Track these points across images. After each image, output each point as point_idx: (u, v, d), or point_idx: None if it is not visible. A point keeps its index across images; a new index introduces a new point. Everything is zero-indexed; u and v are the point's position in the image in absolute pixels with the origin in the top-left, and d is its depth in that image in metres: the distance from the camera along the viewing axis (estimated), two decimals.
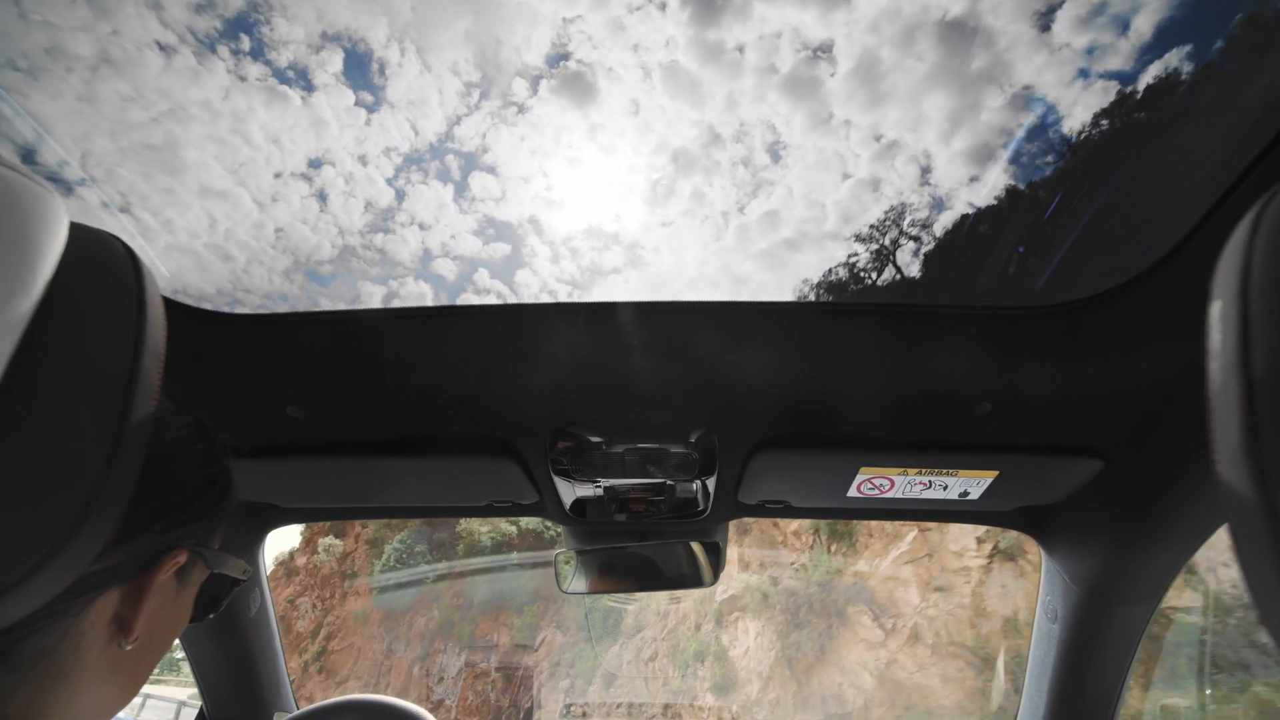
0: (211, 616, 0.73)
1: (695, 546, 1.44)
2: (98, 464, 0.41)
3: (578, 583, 1.52)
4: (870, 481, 1.21)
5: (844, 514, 1.44)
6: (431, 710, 1.38)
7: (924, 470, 1.16)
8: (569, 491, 1.33)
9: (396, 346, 1.00)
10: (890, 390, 1.03)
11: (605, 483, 1.30)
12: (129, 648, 0.54)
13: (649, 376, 1.03)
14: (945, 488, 1.20)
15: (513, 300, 1.12)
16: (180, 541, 0.57)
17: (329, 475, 1.28)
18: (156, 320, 0.47)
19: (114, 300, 0.44)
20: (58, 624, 0.49)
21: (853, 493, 1.25)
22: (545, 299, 0.99)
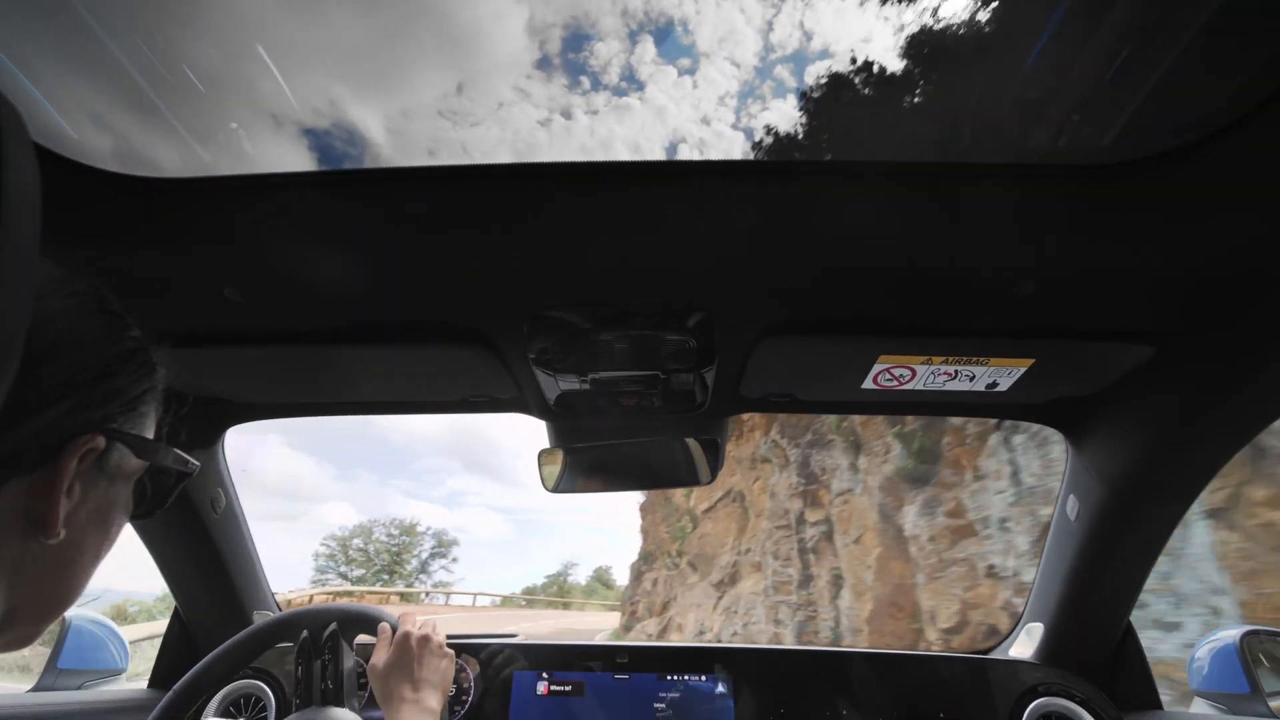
0: (159, 512, 0.69)
1: (692, 444, 1.38)
2: None
3: (565, 482, 1.47)
4: (889, 371, 1.12)
5: (856, 408, 1.37)
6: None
7: (950, 359, 1.07)
8: (552, 386, 1.25)
9: (344, 216, 0.88)
10: (920, 266, 0.92)
11: (592, 375, 1.22)
12: (52, 543, 0.51)
13: (638, 252, 0.92)
14: (972, 378, 1.12)
15: (477, 161, 1.00)
16: (93, 426, 0.52)
17: (280, 367, 1.20)
18: (25, 163, 0.39)
19: None
20: None
21: (868, 384, 1.17)
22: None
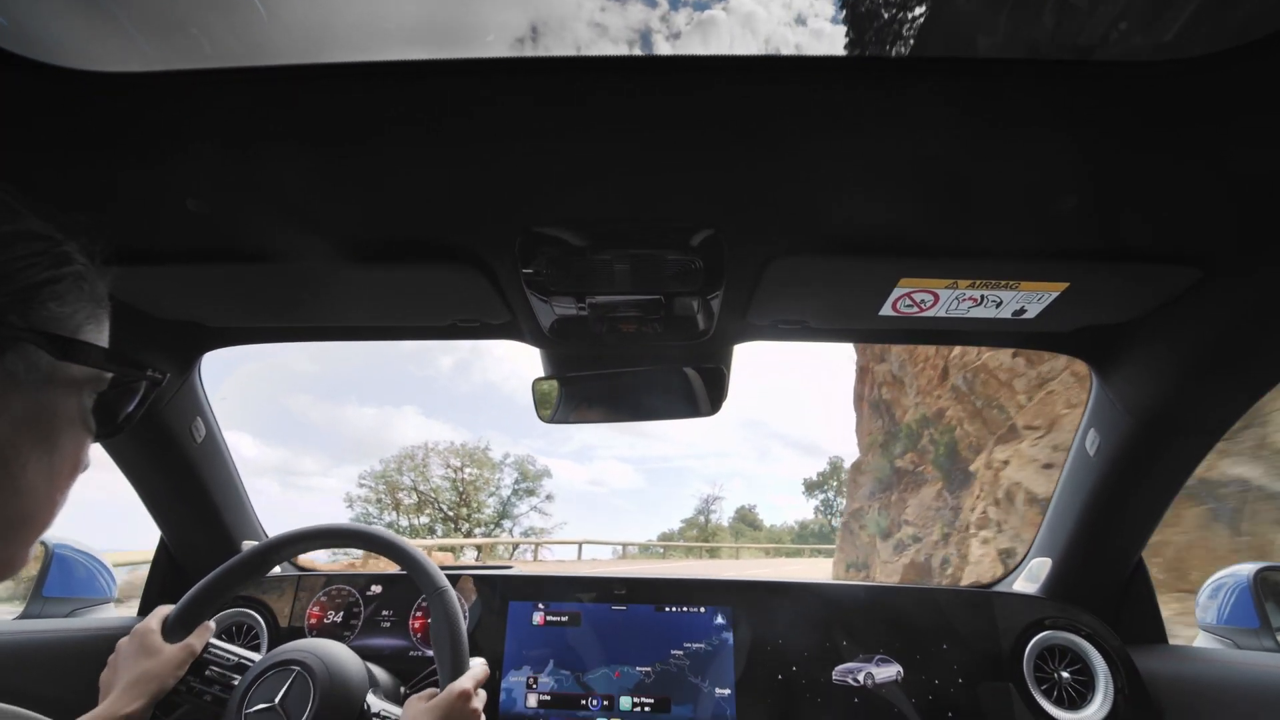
0: (127, 429, 0.66)
1: (695, 373, 1.34)
2: None
3: (560, 413, 1.44)
4: (909, 297, 1.07)
5: (871, 336, 1.32)
6: None
7: (977, 282, 1.02)
8: (546, 311, 1.20)
9: (318, 117, 0.80)
10: (951, 178, 0.85)
11: (589, 299, 1.16)
12: None
13: (641, 161, 0.85)
14: (999, 304, 1.07)
15: (457, 55, 0.91)
16: None
17: (253, 287, 1.14)
18: None
19: None
20: None
21: (886, 310, 1.11)
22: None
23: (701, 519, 50.12)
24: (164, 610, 1.16)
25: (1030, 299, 1.04)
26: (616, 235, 0.99)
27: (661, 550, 30.50)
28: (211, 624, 1.19)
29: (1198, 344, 1.06)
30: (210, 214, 0.95)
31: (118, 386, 0.62)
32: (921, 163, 0.83)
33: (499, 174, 0.87)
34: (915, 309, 1.10)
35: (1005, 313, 1.09)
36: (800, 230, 0.95)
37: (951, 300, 1.06)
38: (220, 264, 1.05)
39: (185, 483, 1.49)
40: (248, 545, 1.65)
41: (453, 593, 1.12)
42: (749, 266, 1.03)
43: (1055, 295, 1.03)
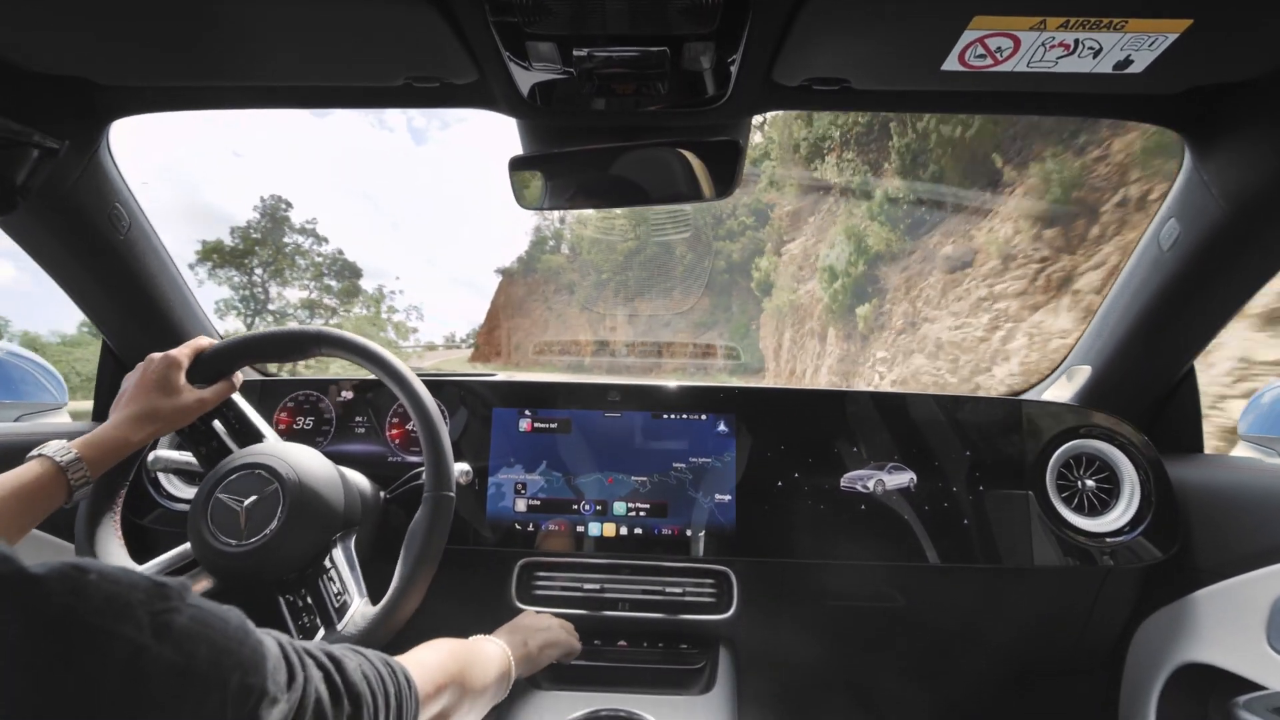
0: (19, 205, 0.66)
1: (704, 148, 1.18)
2: None
3: (548, 198, 1.30)
4: (982, 43, 0.89)
5: (927, 102, 1.14)
6: None
7: (1073, 21, 0.84)
8: (523, 72, 1.02)
9: None
10: None
11: (576, 52, 0.97)
12: None
13: None
14: (1097, 51, 0.89)
15: None
16: None
17: (143, 25, 0.94)
18: None
19: None
20: None
21: (951, 64, 0.94)
22: None
23: None
24: (202, 344, 1.15)
25: (1140, 44, 0.87)
26: None
27: None
28: (237, 381, 1.22)
29: None
30: None
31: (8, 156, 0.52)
32: None
33: None
34: (988, 61, 0.92)
35: (1104, 65, 0.91)
36: None
37: (1036, 47, 0.88)
38: None
39: (116, 277, 1.39)
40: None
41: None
42: (778, 3, 0.84)
43: (1173, 38, 0.85)
